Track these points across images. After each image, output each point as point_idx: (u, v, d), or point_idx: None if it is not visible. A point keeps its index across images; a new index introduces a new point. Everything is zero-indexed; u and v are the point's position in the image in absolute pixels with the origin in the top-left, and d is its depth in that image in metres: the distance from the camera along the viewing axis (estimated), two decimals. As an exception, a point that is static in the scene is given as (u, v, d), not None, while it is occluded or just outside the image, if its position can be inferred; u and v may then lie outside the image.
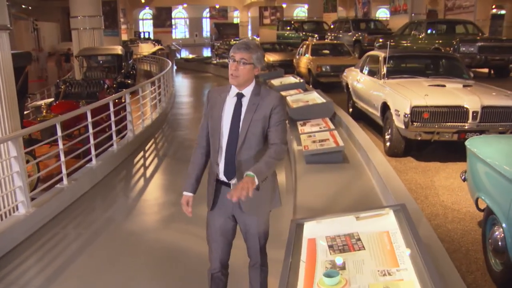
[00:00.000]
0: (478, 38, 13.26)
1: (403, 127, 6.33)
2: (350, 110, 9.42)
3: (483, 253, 3.79)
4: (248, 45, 2.63)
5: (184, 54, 35.91)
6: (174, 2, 49.92)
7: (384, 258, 2.27)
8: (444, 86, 6.91)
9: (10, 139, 4.91)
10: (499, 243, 3.35)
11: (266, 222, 2.83)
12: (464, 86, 6.90)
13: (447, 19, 19.06)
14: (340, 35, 19.49)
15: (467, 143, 4.18)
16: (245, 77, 2.64)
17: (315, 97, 8.36)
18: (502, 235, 3.31)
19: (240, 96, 2.68)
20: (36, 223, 4.95)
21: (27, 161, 5.86)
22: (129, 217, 5.51)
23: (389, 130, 6.86)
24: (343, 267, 2.24)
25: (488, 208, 3.65)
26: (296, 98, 8.53)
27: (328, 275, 2.12)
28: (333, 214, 2.93)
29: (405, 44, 15.01)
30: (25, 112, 8.83)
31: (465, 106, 6.18)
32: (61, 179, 5.74)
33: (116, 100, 8.97)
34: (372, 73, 8.38)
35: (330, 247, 2.46)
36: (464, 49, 12.35)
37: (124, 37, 34.60)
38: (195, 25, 57.09)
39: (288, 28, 25.34)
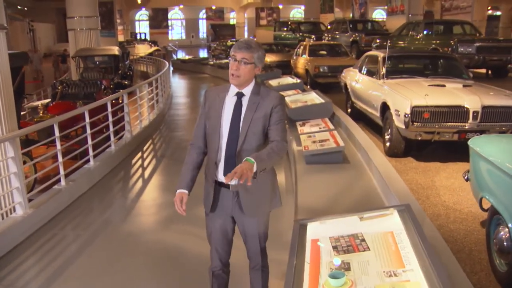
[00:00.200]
0: (476, 38, 13.28)
1: (403, 127, 6.31)
2: (349, 110, 9.40)
3: (488, 253, 3.76)
4: (250, 44, 2.59)
5: (181, 55, 35.92)
6: (170, 3, 49.93)
7: (390, 259, 2.24)
8: (444, 86, 6.90)
9: (8, 140, 4.85)
10: (505, 243, 3.32)
11: (266, 222, 2.80)
12: (464, 86, 6.89)
13: (445, 19, 19.10)
14: (337, 36, 19.51)
15: (470, 142, 4.15)
16: (246, 77, 2.60)
17: (314, 98, 8.32)
18: (508, 235, 3.28)
19: (240, 95, 2.64)
20: (34, 224, 4.90)
21: (24, 162, 5.80)
22: (127, 218, 5.47)
23: (389, 130, 6.84)
24: (347, 268, 2.20)
25: (492, 208, 3.62)
26: (294, 99, 8.49)
27: (333, 276, 2.08)
28: (336, 215, 2.89)
29: (403, 45, 15.02)
30: (22, 113, 8.75)
31: (466, 106, 6.17)
32: (58, 180, 5.69)
33: (114, 101, 8.92)
34: (371, 73, 8.36)
35: (334, 248, 2.42)
36: (462, 49, 12.39)
37: (121, 38, 34.67)
38: (191, 26, 57.10)
39: (285, 29, 25.40)
